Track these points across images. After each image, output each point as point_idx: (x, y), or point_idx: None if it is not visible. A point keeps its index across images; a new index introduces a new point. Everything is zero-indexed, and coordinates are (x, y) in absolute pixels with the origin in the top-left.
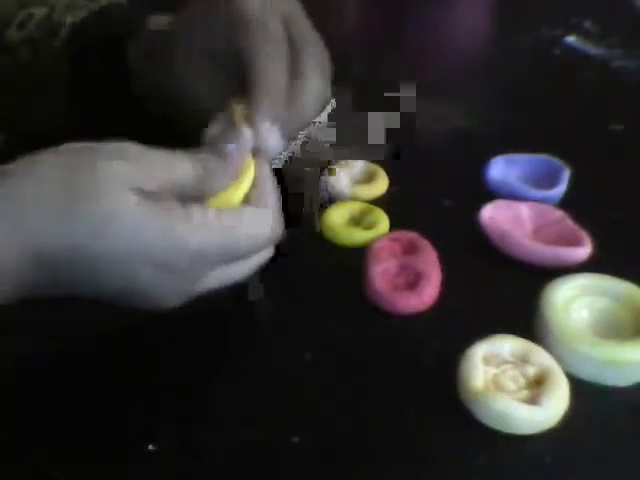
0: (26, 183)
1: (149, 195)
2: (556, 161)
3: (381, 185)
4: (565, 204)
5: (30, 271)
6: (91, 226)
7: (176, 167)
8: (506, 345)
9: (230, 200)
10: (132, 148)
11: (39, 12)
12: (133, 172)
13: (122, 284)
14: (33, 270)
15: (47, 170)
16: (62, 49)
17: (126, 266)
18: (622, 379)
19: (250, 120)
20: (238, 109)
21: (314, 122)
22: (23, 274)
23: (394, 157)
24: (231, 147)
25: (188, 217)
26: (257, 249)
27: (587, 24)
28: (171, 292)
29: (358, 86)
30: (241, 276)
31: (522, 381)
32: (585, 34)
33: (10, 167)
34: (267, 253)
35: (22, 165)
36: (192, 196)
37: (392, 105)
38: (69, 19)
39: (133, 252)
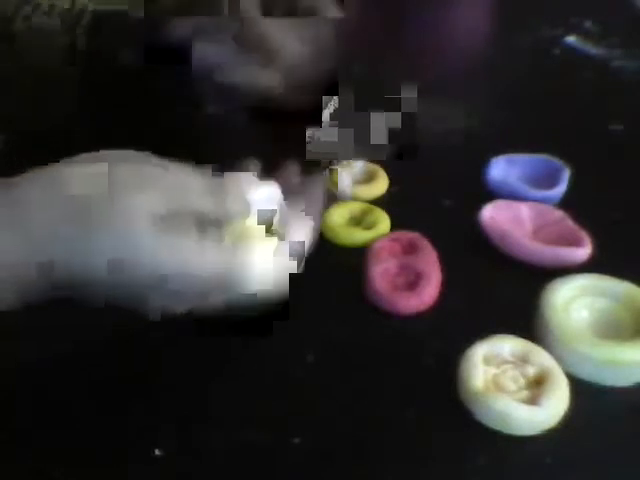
0: (31, 191)
1: (164, 218)
2: (556, 161)
3: (381, 185)
4: (565, 204)
5: (35, 279)
6: (98, 238)
7: (200, 198)
8: (506, 345)
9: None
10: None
11: (60, 3)
12: (151, 199)
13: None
14: (38, 278)
15: (52, 179)
16: (83, 33)
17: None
18: (622, 379)
19: None
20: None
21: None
22: (27, 281)
23: (397, 157)
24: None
25: (202, 250)
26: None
27: (587, 24)
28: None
29: (359, 86)
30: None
31: (522, 381)
32: (585, 34)
33: (16, 178)
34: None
35: (28, 175)
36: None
37: (393, 105)
38: (91, 6)
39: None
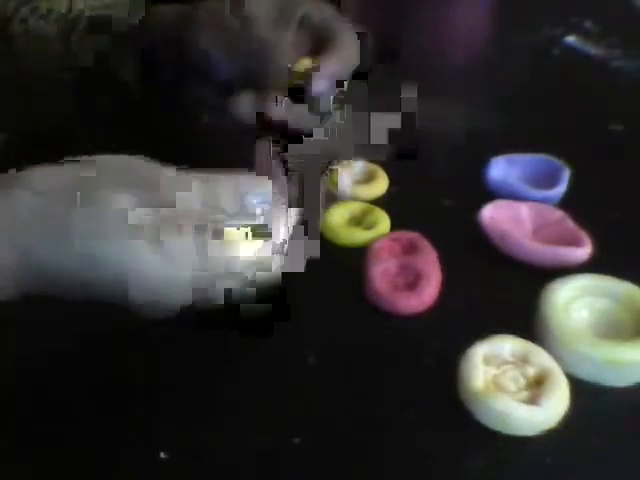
0: (24, 196)
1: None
2: (556, 161)
3: (381, 185)
4: (565, 204)
5: (31, 278)
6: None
7: (192, 202)
8: (506, 345)
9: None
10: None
11: (57, 7)
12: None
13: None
14: (34, 279)
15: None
16: (78, 40)
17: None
18: (622, 379)
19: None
20: (304, 62)
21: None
22: (23, 276)
23: (396, 157)
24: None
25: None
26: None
27: (587, 24)
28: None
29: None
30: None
31: (522, 381)
32: (585, 34)
33: (8, 175)
34: None
35: (22, 174)
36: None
37: (393, 105)
38: (87, 12)
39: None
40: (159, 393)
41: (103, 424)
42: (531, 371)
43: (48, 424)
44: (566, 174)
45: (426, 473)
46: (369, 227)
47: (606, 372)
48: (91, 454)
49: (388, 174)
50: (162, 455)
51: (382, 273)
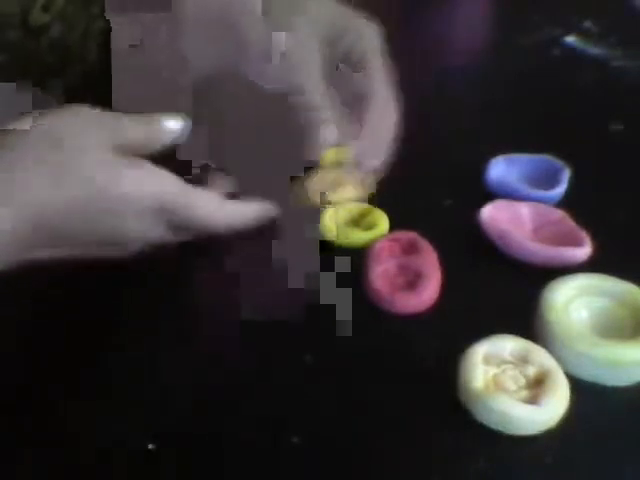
0: (18, 154)
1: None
2: (556, 161)
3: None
4: (565, 204)
5: (29, 232)
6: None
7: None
8: (506, 345)
9: None
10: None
11: None
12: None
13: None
14: (32, 232)
15: (35, 139)
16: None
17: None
18: (622, 379)
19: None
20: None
21: None
22: (22, 236)
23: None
24: None
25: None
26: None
27: (587, 24)
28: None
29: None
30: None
31: (522, 381)
32: (585, 34)
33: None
34: None
35: (12, 137)
36: None
37: None
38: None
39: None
40: (158, 392)
41: (102, 423)
42: (531, 370)
43: (46, 423)
44: (566, 174)
45: (426, 473)
46: (368, 228)
47: (606, 372)
48: (90, 453)
49: (388, 174)
50: (161, 454)
51: (382, 273)
